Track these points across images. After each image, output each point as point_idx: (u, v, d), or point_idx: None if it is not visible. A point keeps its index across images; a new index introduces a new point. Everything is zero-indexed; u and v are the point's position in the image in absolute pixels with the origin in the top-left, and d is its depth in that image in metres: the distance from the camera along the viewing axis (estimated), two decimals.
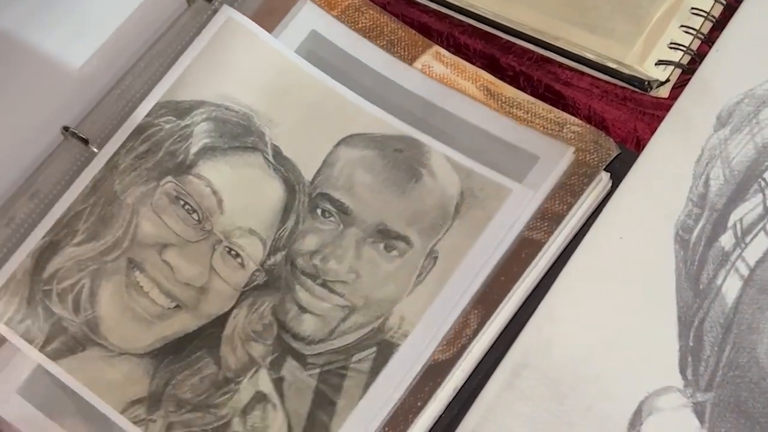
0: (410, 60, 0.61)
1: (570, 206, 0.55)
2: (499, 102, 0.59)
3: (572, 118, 0.58)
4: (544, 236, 0.54)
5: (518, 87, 0.61)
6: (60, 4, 0.65)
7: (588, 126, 0.57)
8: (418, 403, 0.52)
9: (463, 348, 0.53)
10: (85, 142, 0.61)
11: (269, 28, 0.63)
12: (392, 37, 0.62)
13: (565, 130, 0.57)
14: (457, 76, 0.60)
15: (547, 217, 0.55)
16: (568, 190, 0.55)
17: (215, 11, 0.63)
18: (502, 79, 0.61)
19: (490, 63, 0.63)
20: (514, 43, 0.63)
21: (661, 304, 0.52)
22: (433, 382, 0.52)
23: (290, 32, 0.63)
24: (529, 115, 0.58)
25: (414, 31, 0.63)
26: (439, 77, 0.61)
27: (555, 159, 0.56)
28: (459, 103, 0.60)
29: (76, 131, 0.61)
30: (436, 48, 0.62)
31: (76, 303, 0.57)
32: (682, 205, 0.54)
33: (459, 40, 0.64)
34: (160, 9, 0.66)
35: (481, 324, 0.53)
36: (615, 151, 0.56)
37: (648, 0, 0.60)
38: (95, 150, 0.60)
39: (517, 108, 0.59)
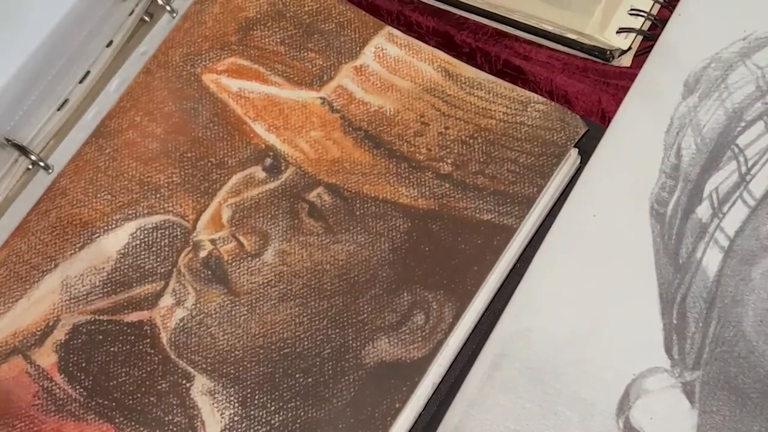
0: (362, 43, 0.58)
1: (540, 188, 0.52)
2: (459, 83, 0.56)
3: (536, 96, 0.55)
4: (516, 221, 0.52)
5: (475, 64, 0.59)
6: None
7: (552, 103, 0.55)
8: (396, 405, 0.49)
9: (440, 344, 0.50)
10: (22, 149, 0.57)
11: None
12: (341, 20, 0.59)
13: (529, 109, 0.55)
14: (413, 57, 0.58)
15: (518, 201, 0.52)
16: (537, 172, 0.53)
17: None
18: (458, 56, 0.58)
19: (444, 41, 0.60)
20: (467, 19, 0.60)
21: (641, 281, 0.50)
22: (411, 382, 0.50)
23: None
24: (491, 95, 0.56)
25: (364, 12, 0.60)
26: (393, 59, 0.58)
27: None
28: None
29: (11, 138, 0.57)
30: (389, 29, 0.59)
31: None
32: (655, 178, 0.52)
33: (410, 18, 0.61)
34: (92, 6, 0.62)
35: (457, 317, 0.51)
36: (582, 129, 0.54)
37: None
38: (33, 158, 0.57)
39: (478, 89, 0.56)
